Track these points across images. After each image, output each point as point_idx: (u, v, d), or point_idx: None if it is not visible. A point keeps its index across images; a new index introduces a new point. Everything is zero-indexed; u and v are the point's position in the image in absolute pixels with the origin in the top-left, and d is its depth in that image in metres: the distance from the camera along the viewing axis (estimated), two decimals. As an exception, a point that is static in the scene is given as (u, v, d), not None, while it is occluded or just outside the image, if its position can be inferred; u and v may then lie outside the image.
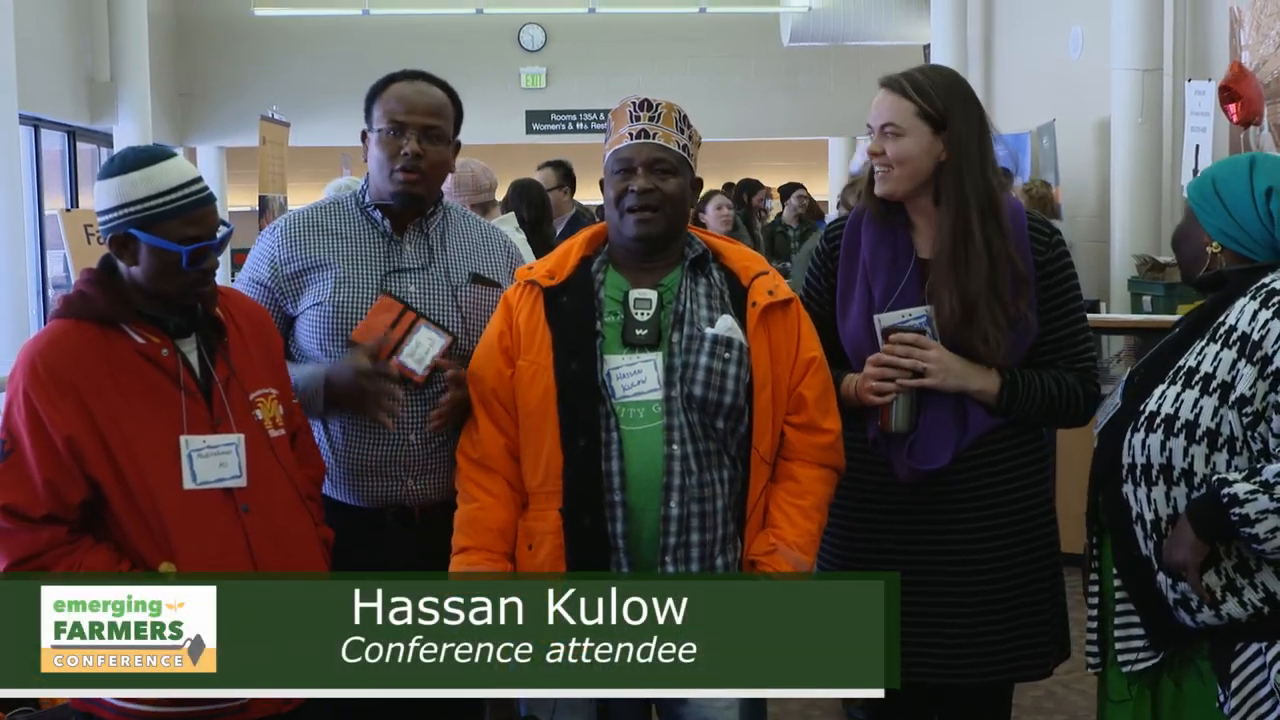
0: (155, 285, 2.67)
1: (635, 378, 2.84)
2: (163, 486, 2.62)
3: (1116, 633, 2.83)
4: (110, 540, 2.62)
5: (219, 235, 2.70)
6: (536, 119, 17.53)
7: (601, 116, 17.24)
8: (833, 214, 8.59)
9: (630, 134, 2.92)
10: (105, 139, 14.00)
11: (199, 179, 2.71)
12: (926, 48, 14.61)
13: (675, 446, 2.81)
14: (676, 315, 2.88)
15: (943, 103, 3.01)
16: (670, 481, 2.80)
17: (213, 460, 2.67)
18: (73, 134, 13.80)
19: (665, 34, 17.22)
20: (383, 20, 16.55)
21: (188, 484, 2.64)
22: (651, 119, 2.92)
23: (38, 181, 12.74)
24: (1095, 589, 2.87)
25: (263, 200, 11.00)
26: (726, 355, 2.84)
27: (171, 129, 16.55)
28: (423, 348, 3.08)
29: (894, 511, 3.07)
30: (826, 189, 17.62)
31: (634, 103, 2.95)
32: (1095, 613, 2.88)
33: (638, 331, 2.88)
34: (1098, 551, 2.85)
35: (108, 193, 2.66)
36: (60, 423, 2.57)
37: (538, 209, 6.31)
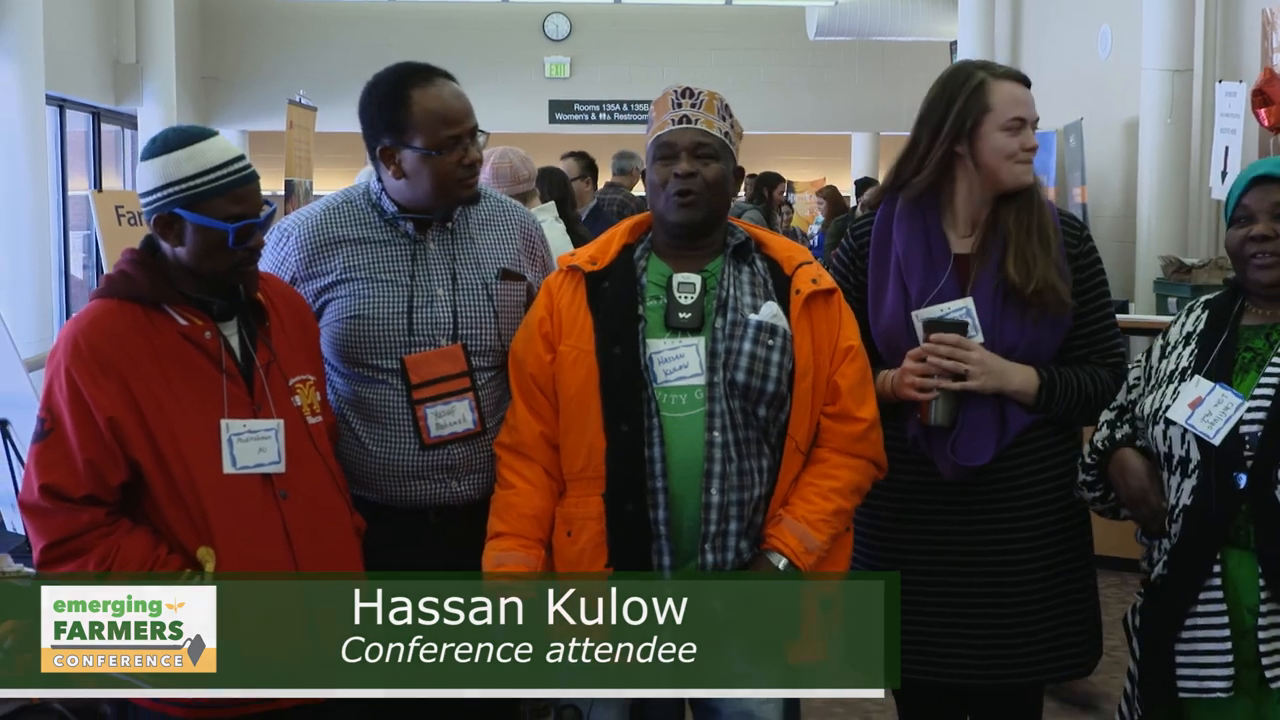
0: (201, 265, 2.65)
1: (677, 362, 2.83)
2: (202, 470, 2.60)
3: (1263, 647, 2.70)
4: (148, 523, 2.60)
5: (264, 214, 2.68)
6: (560, 109, 17.51)
7: (625, 107, 17.46)
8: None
9: (672, 120, 2.90)
10: (130, 121, 14.00)
11: (242, 157, 2.69)
12: (953, 44, 14.55)
13: (717, 434, 2.79)
14: (720, 300, 2.87)
15: None
16: (711, 468, 2.78)
17: (252, 445, 2.64)
18: (97, 115, 13.80)
19: (690, 26, 17.19)
20: (408, 7, 16.55)
21: (227, 468, 2.62)
22: (694, 105, 2.91)
23: (62, 162, 12.74)
24: (1222, 607, 2.73)
25: (289, 184, 10.99)
26: (770, 342, 2.83)
27: (195, 112, 16.54)
28: (451, 417, 3.01)
29: (931, 510, 3.06)
30: (849, 184, 17.54)
31: (676, 90, 2.94)
32: (1228, 633, 2.73)
33: (681, 315, 2.86)
34: (1220, 568, 2.73)
35: (152, 173, 2.64)
36: (103, 402, 2.56)
37: (560, 190, 6.27)
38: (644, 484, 2.78)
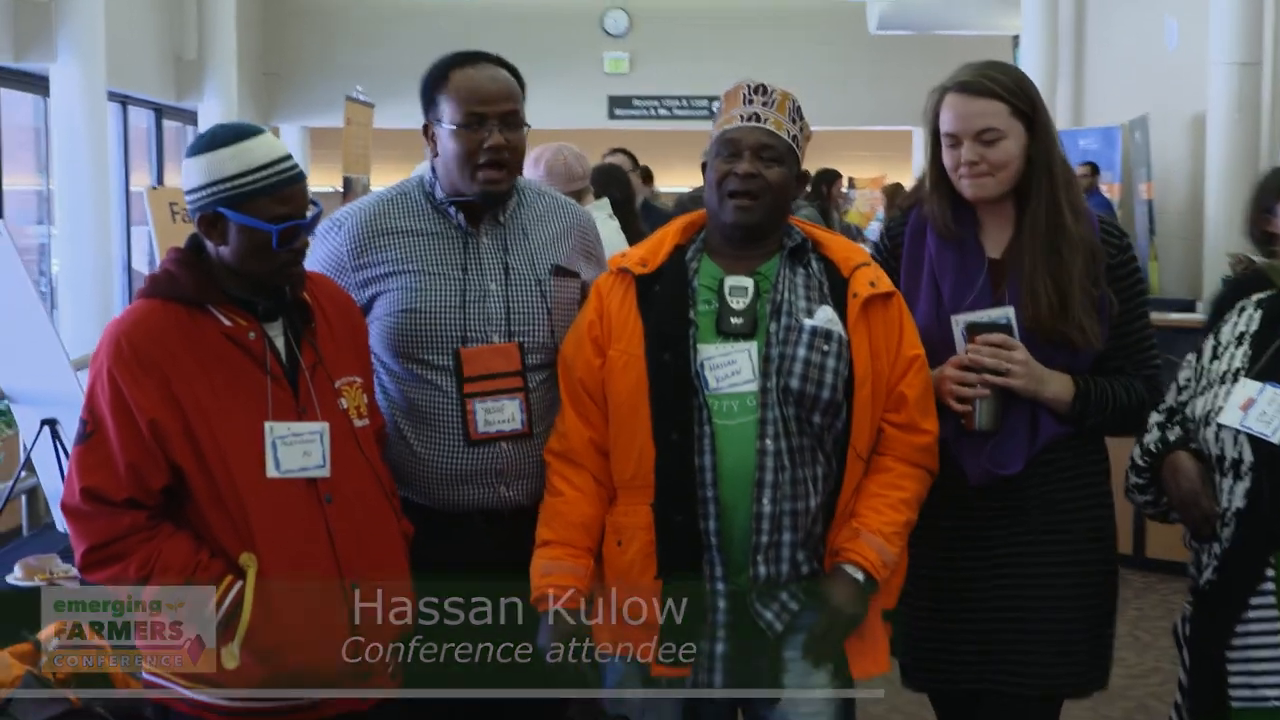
0: (244, 265, 2.60)
1: (730, 368, 2.76)
2: (245, 474, 2.54)
3: None
4: (189, 528, 2.56)
5: (309, 215, 2.63)
6: (619, 104, 17.51)
7: (685, 102, 17.39)
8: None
9: (741, 116, 2.82)
10: (191, 117, 14.11)
11: (288, 156, 2.64)
12: (1016, 38, 14.41)
13: (769, 441, 2.72)
14: (774, 304, 2.79)
15: (1029, 97, 2.95)
16: (763, 478, 2.71)
17: (297, 449, 2.59)
18: (159, 111, 13.93)
19: (750, 19, 17.14)
20: (468, 1, 16.53)
21: (270, 472, 2.56)
22: (765, 104, 2.83)
23: (125, 158, 12.82)
24: (1276, 614, 2.67)
25: (347, 181, 11.01)
26: (825, 348, 2.75)
27: (256, 108, 16.66)
28: (500, 415, 2.96)
29: (955, 515, 2.98)
30: (909, 180, 17.40)
31: (749, 85, 2.86)
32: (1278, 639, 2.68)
33: (733, 319, 2.79)
34: (1273, 573, 2.67)
35: (196, 170, 2.59)
36: (145, 404, 2.51)
37: (621, 188, 6.21)
38: (694, 493, 2.71)
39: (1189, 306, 8.35)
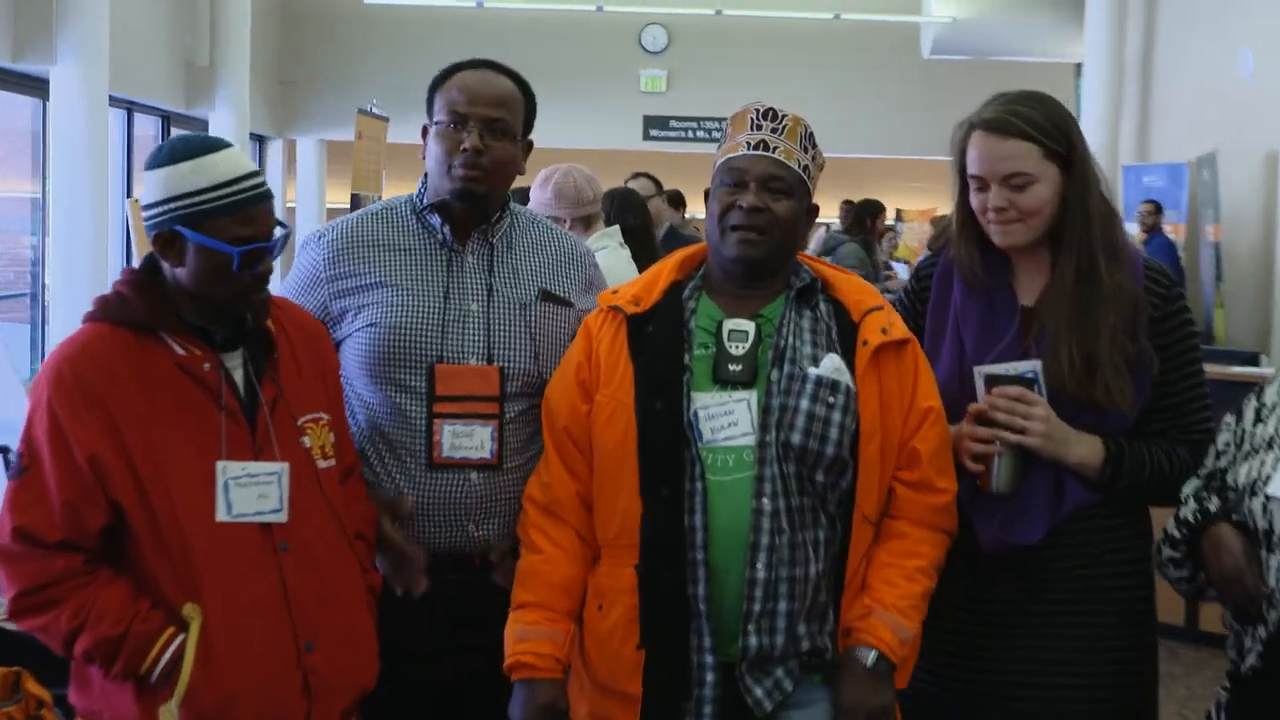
0: (202, 289, 2.55)
1: (726, 419, 2.67)
2: (193, 517, 2.49)
3: None
4: (131, 574, 2.50)
5: (275, 237, 2.58)
6: (655, 125, 17.49)
7: (724, 125, 17.33)
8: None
9: (748, 144, 2.75)
10: (201, 126, 14.12)
11: (256, 173, 2.59)
12: (1078, 66, 14.32)
13: (766, 500, 2.63)
14: (777, 351, 2.71)
15: (1065, 135, 2.85)
16: (758, 540, 2.62)
17: (251, 490, 2.54)
18: (167, 119, 13.96)
19: (795, 40, 17.10)
20: (498, 14, 16.62)
21: (221, 516, 2.50)
22: (774, 130, 2.76)
23: (128, 168, 12.85)
24: None
25: (355, 199, 10.98)
26: (830, 400, 2.66)
27: (271, 118, 16.71)
28: (469, 440, 2.91)
29: (966, 586, 2.88)
30: (962, 213, 17.29)
31: (757, 110, 2.79)
32: None
33: (731, 366, 2.70)
34: None
35: (154, 184, 2.55)
36: (85, 438, 2.46)
37: (637, 215, 6.16)
38: (683, 554, 2.62)
39: (1252, 359, 8.20)
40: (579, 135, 15.31)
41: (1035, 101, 2.90)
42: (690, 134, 17.45)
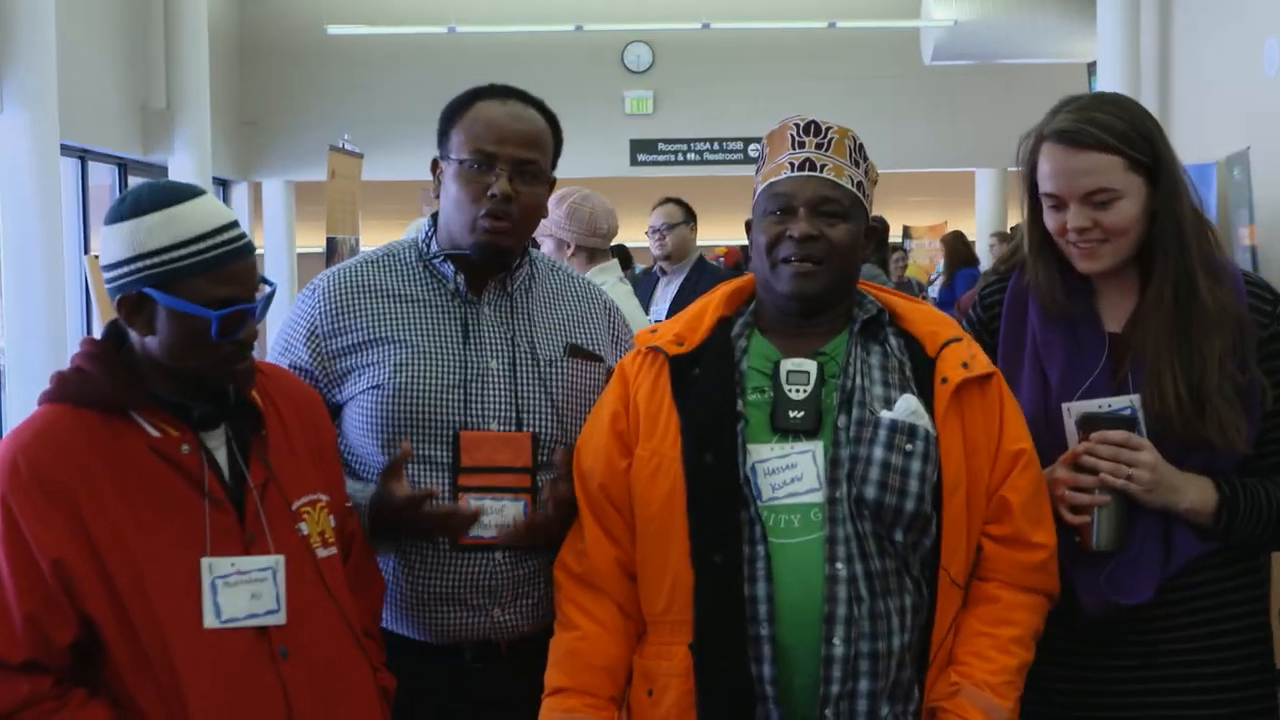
0: (177, 360, 2.38)
1: (788, 474, 2.52)
2: (176, 625, 2.31)
3: None
4: (108, 694, 2.31)
5: (259, 297, 2.41)
6: (642, 149, 17.40)
7: (716, 145, 17.32)
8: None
9: (791, 164, 2.59)
10: (161, 172, 13.99)
11: (234, 224, 2.41)
12: (1091, 65, 14.22)
13: (841, 565, 2.47)
14: (844, 393, 2.56)
15: (1149, 143, 2.68)
16: (834, 611, 2.45)
17: (243, 590, 2.37)
18: (124, 167, 13.85)
19: (788, 52, 17.03)
20: (470, 38, 16.51)
21: (209, 621, 2.33)
22: (820, 146, 2.60)
23: (84, 220, 12.70)
24: None
25: (330, 243, 10.82)
26: (909, 447, 2.50)
27: (234, 161, 16.61)
28: (499, 517, 2.73)
29: (1064, 652, 2.72)
30: (973, 228, 17.21)
31: (797, 125, 2.63)
32: None
33: (792, 413, 2.54)
34: None
35: (116, 241, 2.36)
36: (47, 540, 2.27)
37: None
38: (743, 631, 2.46)
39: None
40: (562, 164, 14.99)
41: (1112, 105, 2.73)
42: (680, 157, 17.34)
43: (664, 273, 7.27)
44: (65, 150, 10.99)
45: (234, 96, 16.66)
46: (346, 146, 11.72)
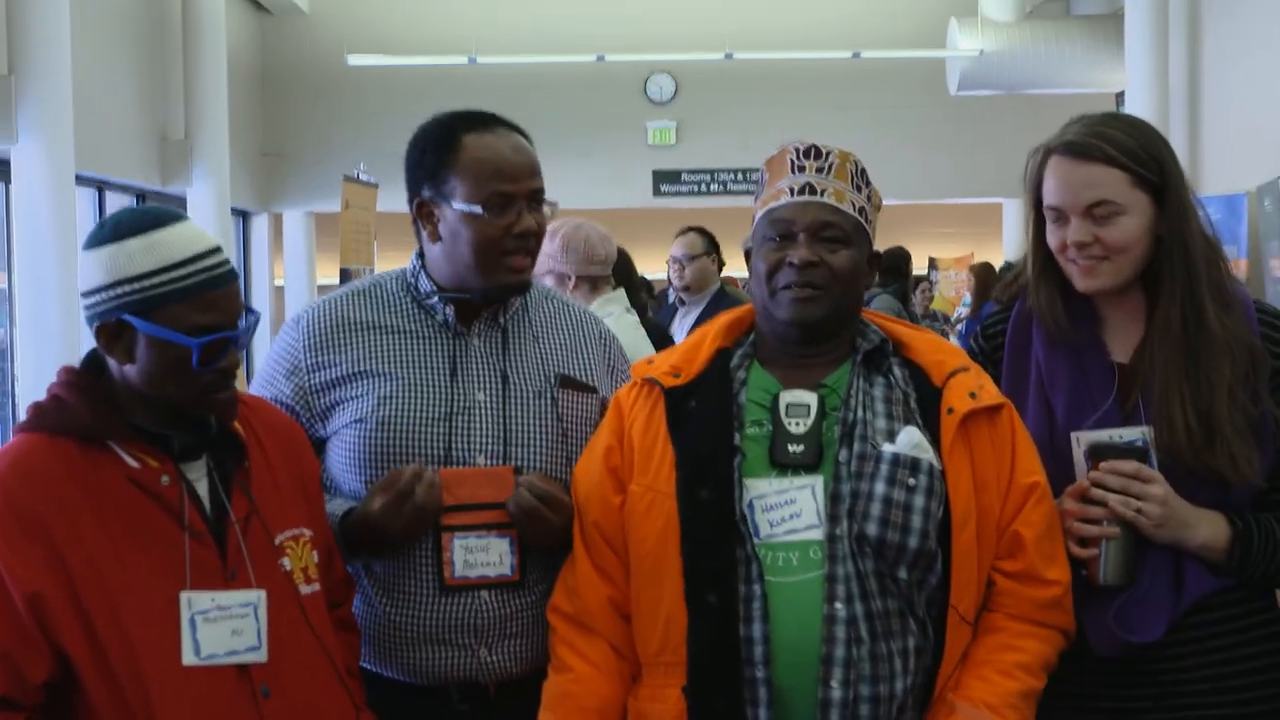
0: (157, 388, 2.35)
1: (787, 510, 2.47)
2: (154, 661, 2.27)
3: None
4: None
5: (242, 325, 2.37)
6: (665, 179, 17.41)
7: (739, 176, 17.27)
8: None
9: (791, 189, 2.56)
10: (179, 203, 13.97)
11: (217, 250, 2.38)
12: (1119, 95, 14.18)
13: (840, 605, 2.41)
14: (845, 426, 2.50)
15: (1157, 162, 2.66)
16: (832, 653, 2.40)
17: (223, 626, 2.32)
18: (142, 197, 13.86)
19: (812, 83, 17.03)
20: (491, 69, 16.53)
21: (188, 659, 2.28)
22: (820, 170, 2.56)
23: (101, 251, 12.70)
24: None
25: (344, 274, 10.78)
26: (912, 481, 2.45)
27: (254, 192, 16.64)
28: (485, 555, 2.68)
29: (1078, 695, 2.65)
30: (1000, 259, 17.13)
31: (797, 149, 2.59)
32: None
33: (791, 447, 2.49)
34: None
35: (95, 266, 2.33)
36: (22, 573, 2.24)
37: (623, 279, 5.98)
38: (738, 673, 2.41)
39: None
40: (584, 195, 15.17)
41: (1123, 123, 2.71)
42: (704, 188, 17.34)
43: (683, 303, 7.22)
44: (82, 181, 10.99)
45: (254, 127, 16.70)
46: (361, 177, 11.70)
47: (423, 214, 2.78)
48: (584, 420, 2.79)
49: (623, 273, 6.01)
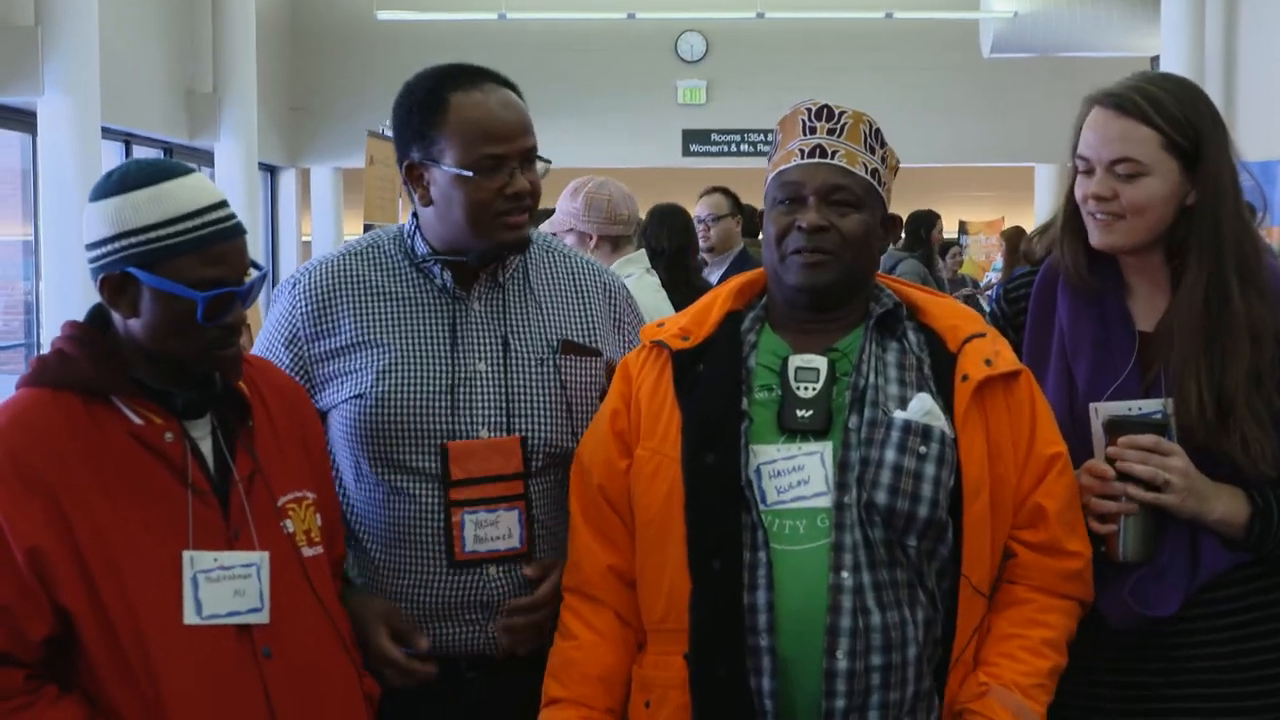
0: (161, 344, 2.32)
1: (795, 476, 2.42)
2: (155, 620, 2.24)
3: None
4: (81, 691, 2.25)
5: (248, 281, 2.34)
6: (694, 139, 17.34)
7: (769, 137, 17.21)
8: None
9: (801, 151, 2.49)
10: (207, 158, 14.03)
11: (223, 203, 2.35)
12: (1154, 59, 14.05)
13: (846, 574, 2.36)
14: (856, 392, 2.45)
15: (1194, 129, 2.59)
16: (837, 623, 2.35)
17: (225, 586, 2.30)
18: (170, 152, 13.87)
19: (844, 43, 16.94)
20: (521, 25, 16.47)
21: (190, 618, 2.26)
22: (831, 132, 2.50)
23: (127, 204, 12.74)
24: None
25: (368, 229, 10.73)
26: (922, 449, 2.40)
27: (282, 146, 16.64)
28: (494, 530, 2.65)
29: (1088, 669, 2.61)
30: (1032, 224, 17.04)
31: (809, 109, 2.53)
32: None
33: (800, 412, 2.44)
34: None
35: (100, 218, 2.33)
36: (24, 528, 2.21)
37: (681, 236, 5.91)
38: (741, 641, 2.37)
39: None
40: (613, 154, 15.15)
41: (1172, 84, 2.66)
42: (734, 148, 17.27)
43: (705, 264, 7.17)
44: (109, 134, 11.02)
45: (282, 82, 16.69)
46: (386, 132, 11.65)
47: (413, 177, 2.70)
48: (588, 386, 2.75)
49: (681, 233, 5.98)
